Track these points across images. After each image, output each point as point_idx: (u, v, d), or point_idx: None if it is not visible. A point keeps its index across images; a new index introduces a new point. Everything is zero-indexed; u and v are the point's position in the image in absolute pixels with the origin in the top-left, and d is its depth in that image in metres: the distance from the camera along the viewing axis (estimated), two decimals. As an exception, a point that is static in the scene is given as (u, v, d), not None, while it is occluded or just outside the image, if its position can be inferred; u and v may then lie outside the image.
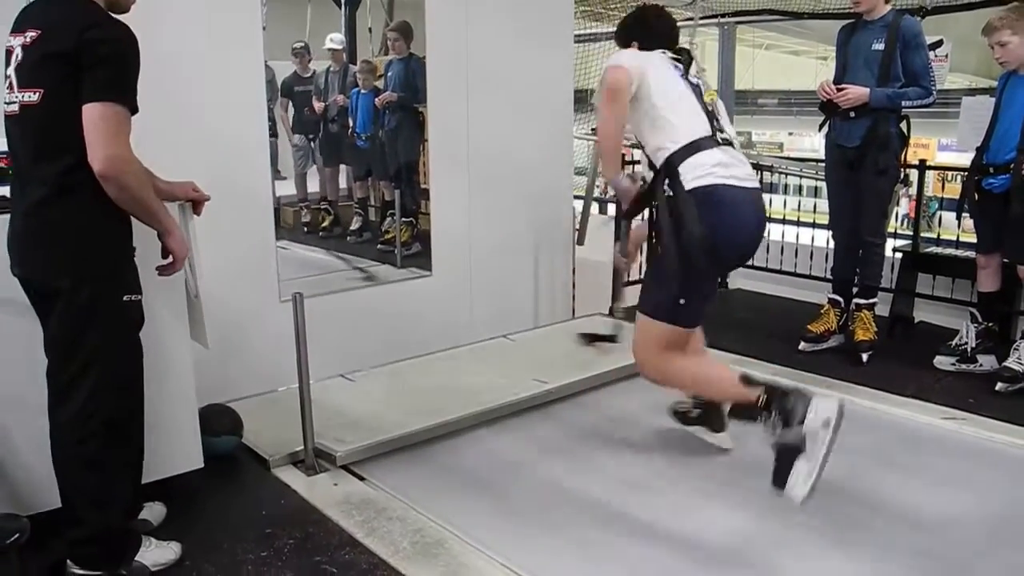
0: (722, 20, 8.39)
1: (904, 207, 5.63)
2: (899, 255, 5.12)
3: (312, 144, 5.73)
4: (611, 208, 7.31)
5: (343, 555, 2.69)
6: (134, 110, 2.31)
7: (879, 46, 4.26)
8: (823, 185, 5.10)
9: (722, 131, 2.90)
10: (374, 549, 2.71)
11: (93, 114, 2.22)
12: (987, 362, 4.28)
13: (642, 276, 3.05)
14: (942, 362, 4.36)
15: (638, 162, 5.08)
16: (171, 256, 2.53)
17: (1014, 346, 4.14)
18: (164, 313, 2.80)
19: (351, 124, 5.61)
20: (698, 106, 2.92)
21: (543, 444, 3.54)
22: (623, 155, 3.24)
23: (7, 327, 2.58)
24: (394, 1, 5.47)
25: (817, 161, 6.14)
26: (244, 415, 3.44)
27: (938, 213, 5.98)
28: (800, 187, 6.57)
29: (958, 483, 3.19)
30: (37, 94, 2.28)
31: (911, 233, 5.22)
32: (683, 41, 3.40)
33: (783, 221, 5.84)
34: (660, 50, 3.06)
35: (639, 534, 2.84)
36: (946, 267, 4.96)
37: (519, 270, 4.93)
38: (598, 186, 7.56)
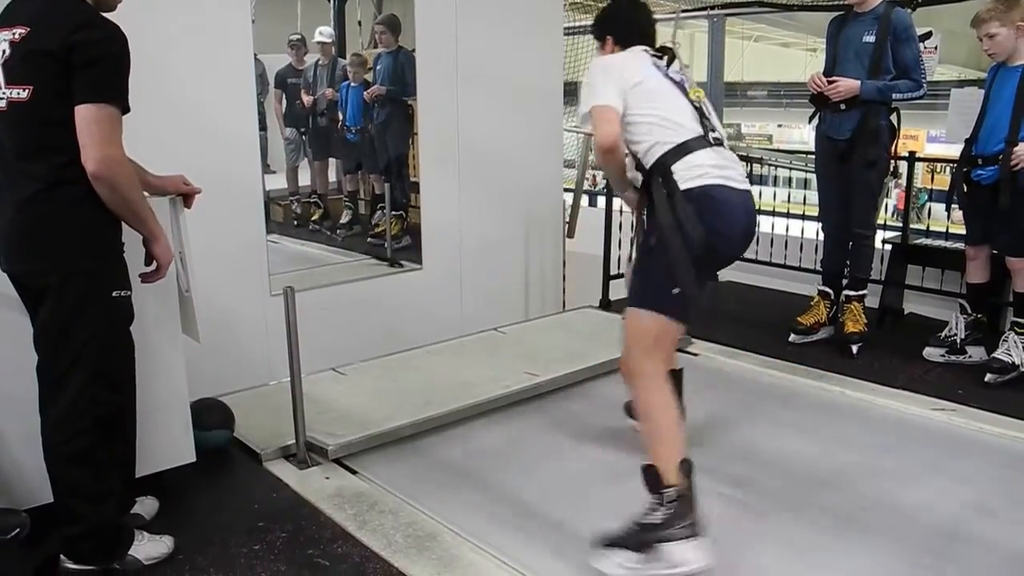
0: (711, 12, 8.40)
1: (893, 198, 5.64)
2: (888, 247, 5.14)
3: (303, 137, 5.72)
4: (600, 200, 7.32)
5: (336, 548, 2.69)
6: (126, 110, 2.31)
7: (870, 38, 4.26)
8: (813, 177, 5.11)
9: (713, 130, 2.86)
10: (366, 542, 2.72)
11: (86, 115, 2.23)
12: (976, 353, 4.29)
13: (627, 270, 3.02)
14: (932, 354, 4.38)
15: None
16: (155, 263, 2.52)
17: (1003, 337, 4.16)
18: (155, 308, 2.79)
19: (341, 118, 5.60)
20: (686, 105, 2.86)
21: (535, 436, 3.55)
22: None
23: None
24: (383, -7, 5.45)
25: (806, 153, 6.14)
26: (235, 409, 3.43)
27: (927, 205, 6.01)
28: (790, 179, 6.58)
29: (947, 474, 3.21)
30: (26, 91, 2.26)
31: (901, 225, 5.24)
32: (666, 38, 3.37)
33: (772, 213, 5.86)
34: (640, 47, 2.99)
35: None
36: (935, 259, 4.98)
37: (509, 263, 4.94)
38: (588, 179, 7.56)
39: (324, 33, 5.62)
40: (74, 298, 2.36)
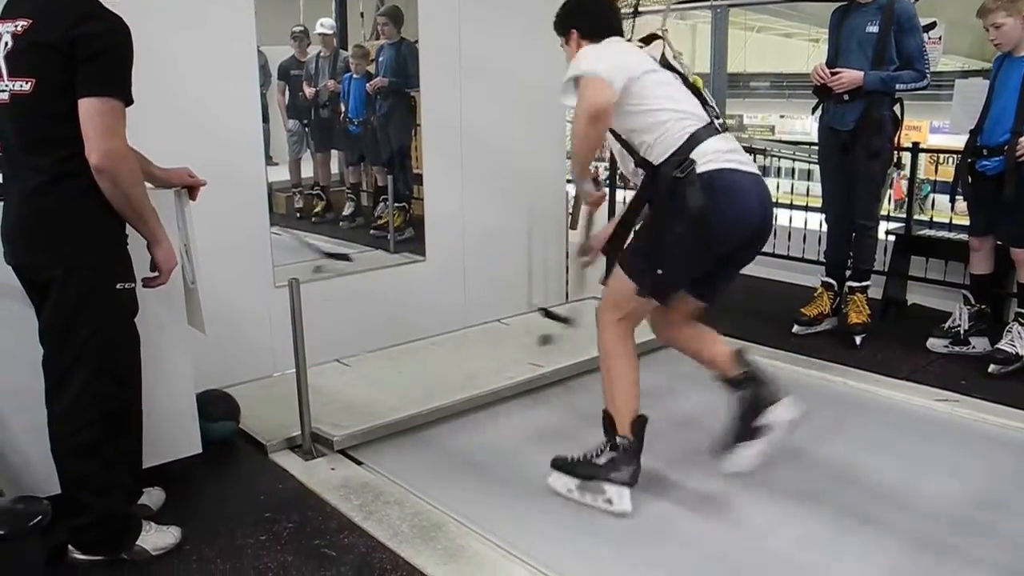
0: (715, 3, 8.37)
1: (891, 188, 5.62)
2: (892, 238, 5.13)
3: (306, 129, 5.72)
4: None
5: (342, 538, 2.70)
6: (129, 102, 2.30)
7: (873, 29, 4.25)
8: (816, 168, 5.11)
9: (719, 117, 2.86)
10: (372, 532, 2.73)
11: (90, 109, 2.22)
12: (980, 344, 4.30)
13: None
14: (935, 344, 4.38)
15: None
16: (157, 269, 2.50)
17: (1006, 328, 4.16)
18: (161, 300, 2.78)
19: (343, 109, 5.60)
20: (688, 94, 2.83)
21: (538, 427, 3.56)
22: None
23: (2, 315, 2.58)
24: (386, -15, 5.45)
25: (810, 144, 6.13)
26: (241, 400, 3.44)
27: (931, 196, 6.00)
28: (793, 170, 6.56)
29: (951, 465, 3.21)
30: (29, 84, 2.26)
31: (904, 216, 5.23)
32: (654, 27, 3.31)
33: (776, 204, 5.82)
34: (615, 39, 2.92)
35: (635, 516, 2.85)
36: (939, 250, 4.98)
37: (512, 254, 4.93)
38: (591, 170, 7.54)
39: (326, 25, 5.62)
40: (78, 291, 2.36)
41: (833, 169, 4.57)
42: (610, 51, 2.86)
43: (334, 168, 5.88)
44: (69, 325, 2.38)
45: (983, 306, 4.38)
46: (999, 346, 4.12)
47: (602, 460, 2.89)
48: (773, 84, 20.77)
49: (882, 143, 4.36)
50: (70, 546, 2.52)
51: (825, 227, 4.84)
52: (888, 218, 5.22)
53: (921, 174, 5.48)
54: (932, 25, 4.66)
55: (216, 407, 3.32)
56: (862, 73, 4.24)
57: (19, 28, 2.28)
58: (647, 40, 3.00)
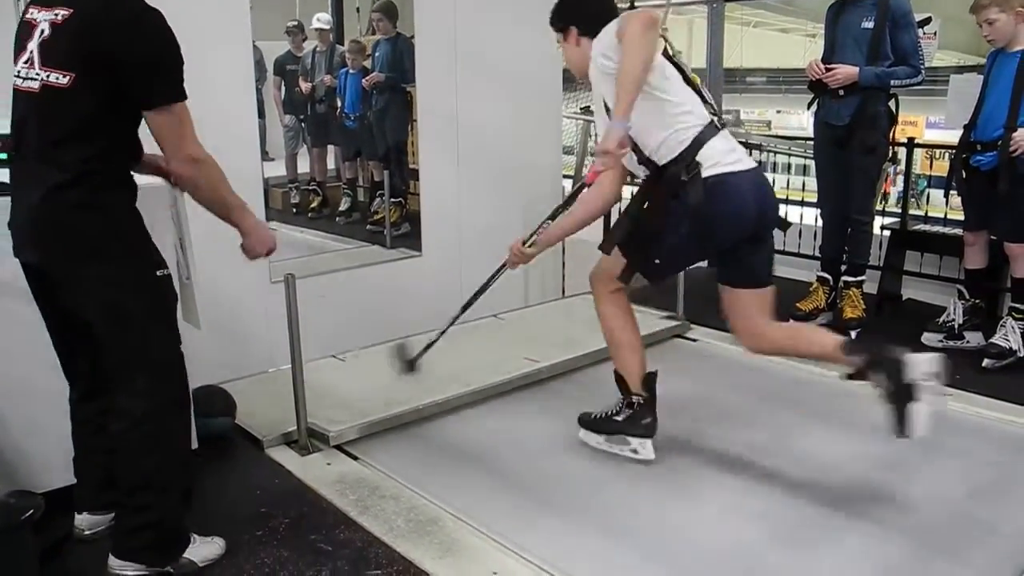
0: (711, -2, 8.35)
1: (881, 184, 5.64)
2: (887, 233, 5.14)
3: (302, 124, 5.72)
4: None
5: (338, 534, 2.71)
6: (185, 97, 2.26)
7: (868, 24, 4.27)
8: (811, 163, 5.12)
9: (717, 114, 2.89)
10: (368, 527, 2.73)
11: (160, 120, 2.21)
12: (974, 339, 4.31)
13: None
14: (930, 339, 4.39)
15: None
16: (249, 255, 2.59)
17: (1001, 323, 4.17)
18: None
19: (339, 105, 5.60)
20: (690, 91, 2.87)
21: (534, 422, 3.56)
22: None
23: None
24: (381, -20, 5.44)
25: (805, 139, 6.14)
26: (237, 396, 3.45)
27: (926, 191, 6.00)
28: (788, 165, 6.58)
29: (946, 458, 3.22)
30: (68, 78, 2.16)
31: (899, 211, 5.24)
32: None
33: (772, 199, 5.83)
34: None
35: (630, 509, 2.87)
36: (934, 244, 4.99)
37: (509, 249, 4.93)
38: (587, 165, 7.54)
39: (322, 20, 5.61)
40: (124, 282, 2.29)
41: (828, 164, 4.59)
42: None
43: (330, 163, 5.87)
44: (120, 318, 2.30)
45: (977, 301, 4.40)
46: (993, 340, 4.13)
47: (621, 417, 3.14)
48: (769, 79, 20.76)
49: (877, 138, 4.38)
50: (112, 556, 2.43)
51: (820, 222, 4.85)
52: (883, 213, 5.24)
53: (917, 169, 5.48)
54: (927, 21, 4.67)
55: (212, 403, 3.32)
56: (857, 69, 4.25)
57: (59, 18, 2.18)
58: None
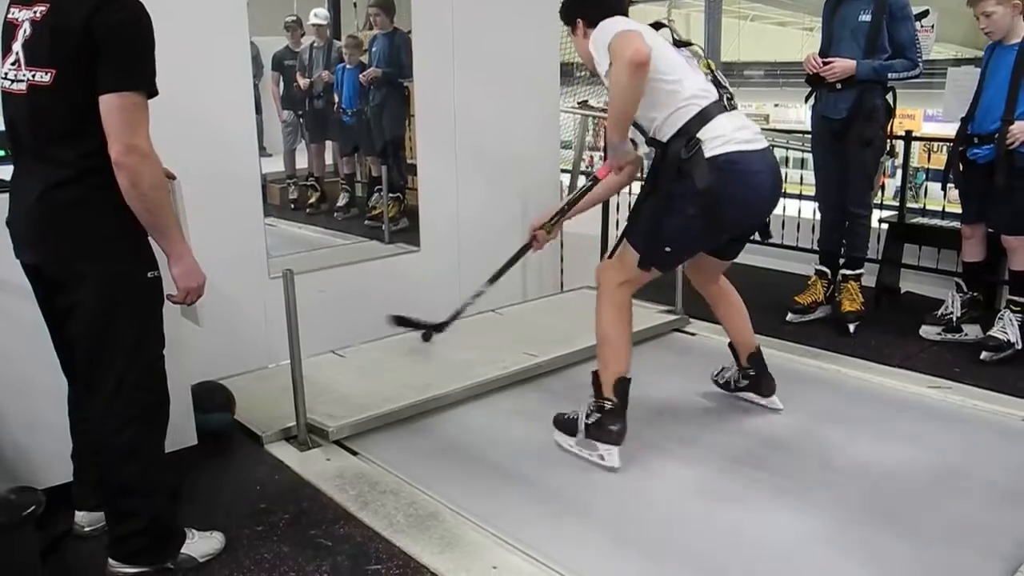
0: (708, -8, 8.35)
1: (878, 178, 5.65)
2: (885, 226, 5.15)
3: (300, 120, 5.71)
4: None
5: (338, 529, 2.71)
6: (153, 94, 2.19)
7: (866, 17, 4.27)
8: (809, 157, 5.12)
9: (730, 96, 2.91)
10: (368, 522, 2.74)
11: (110, 104, 2.11)
12: (972, 331, 4.32)
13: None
14: (928, 332, 4.40)
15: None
16: (175, 287, 2.36)
17: (998, 315, 4.18)
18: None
19: (337, 100, 5.59)
20: (699, 71, 2.92)
21: (533, 417, 3.56)
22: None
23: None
24: (379, -25, 5.42)
25: (803, 133, 6.14)
26: (236, 392, 3.45)
27: (924, 184, 6.01)
28: (787, 159, 6.59)
29: (945, 451, 3.23)
30: (49, 74, 2.14)
31: (897, 204, 5.25)
32: (659, 15, 3.37)
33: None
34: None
35: (630, 503, 2.88)
36: (932, 238, 5.00)
37: (507, 244, 4.91)
38: (585, 160, 7.55)
39: (319, 15, 5.59)
40: (115, 282, 2.26)
41: (826, 157, 4.59)
42: (637, 26, 2.88)
43: (328, 159, 5.87)
44: (108, 318, 2.27)
45: (975, 294, 4.41)
46: (991, 333, 4.14)
47: (591, 420, 3.08)
48: (767, 73, 20.75)
49: (874, 131, 4.38)
50: (110, 559, 2.43)
51: (819, 215, 4.86)
52: (881, 206, 5.24)
53: (915, 162, 5.48)
54: (924, 14, 4.67)
55: (211, 399, 3.32)
56: (855, 62, 4.26)
57: (37, 14, 2.15)
58: (654, 27, 3.03)
